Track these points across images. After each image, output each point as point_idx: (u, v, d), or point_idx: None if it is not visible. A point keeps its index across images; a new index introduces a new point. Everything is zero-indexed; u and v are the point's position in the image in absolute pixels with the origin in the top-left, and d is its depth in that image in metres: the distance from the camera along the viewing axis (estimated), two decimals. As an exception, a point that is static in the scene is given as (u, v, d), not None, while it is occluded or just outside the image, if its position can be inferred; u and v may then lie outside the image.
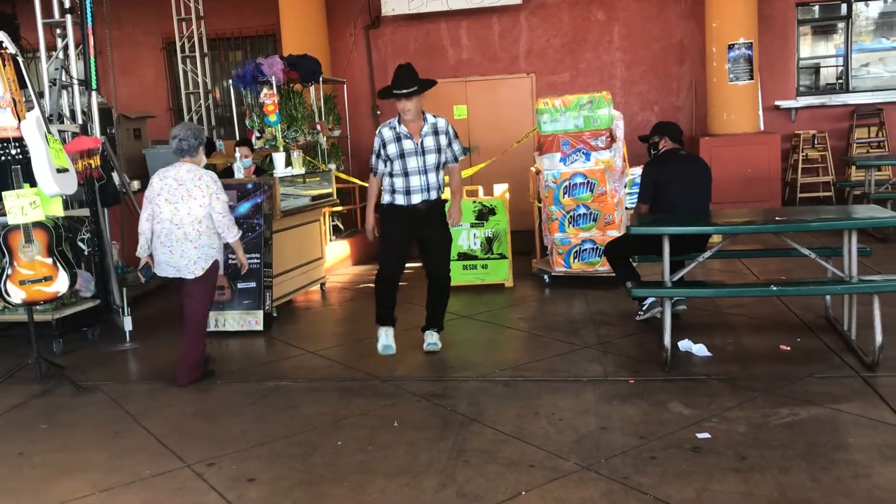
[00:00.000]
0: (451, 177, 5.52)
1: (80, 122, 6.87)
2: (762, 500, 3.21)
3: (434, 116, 5.30)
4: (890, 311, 5.22)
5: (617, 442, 3.86)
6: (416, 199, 5.25)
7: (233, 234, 5.14)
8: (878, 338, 4.59)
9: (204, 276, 5.06)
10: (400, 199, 5.28)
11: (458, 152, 5.40)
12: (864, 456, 3.55)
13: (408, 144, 5.22)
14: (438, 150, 5.27)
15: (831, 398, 4.24)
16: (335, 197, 8.06)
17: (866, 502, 3.15)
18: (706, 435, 3.86)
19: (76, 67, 6.80)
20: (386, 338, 5.52)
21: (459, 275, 7.28)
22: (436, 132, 5.26)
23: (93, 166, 6.48)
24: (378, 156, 5.31)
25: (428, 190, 5.28)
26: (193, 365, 5.15)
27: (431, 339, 5.53)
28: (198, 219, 5.00)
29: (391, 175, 5.29)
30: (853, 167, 10.23)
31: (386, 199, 5.36)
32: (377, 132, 5.30)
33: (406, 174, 5.23)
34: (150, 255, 5.13)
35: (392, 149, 5.23)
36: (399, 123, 5.24)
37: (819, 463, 3.51)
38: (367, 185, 8.97)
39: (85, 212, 6.50)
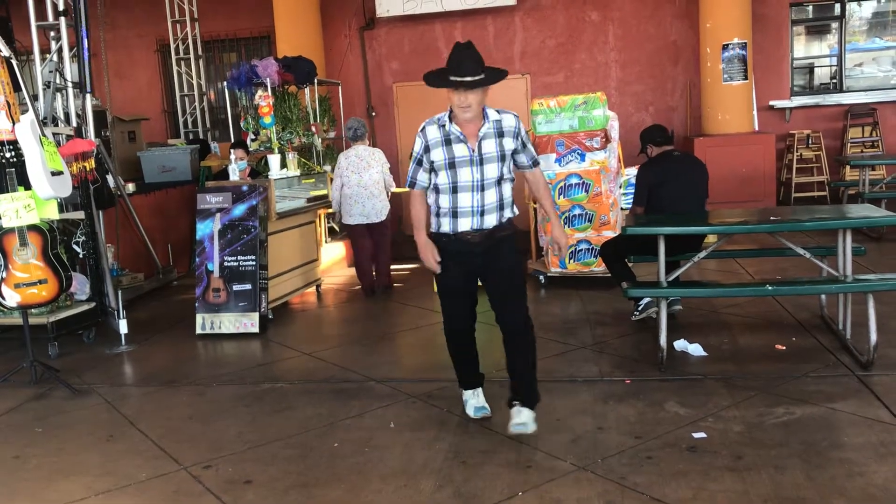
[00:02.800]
0: (535, 188, 4.14)
1: (74, 124, 6.87)
2: (758, 499, 3.22)
3: (499, 112, 3.93)
4: (884, 311, 5.23)
5: (613, 442, 3.86)
6: (465, 224, 3.87)
7: (393, 186, 7.48)
8: (873, 337, 4.60)
9: (386, 220, 7.42)
10: (446, 226, 3.93)
11: (535, 154, 4.08)
12: (859, 454, 3.56)
13: (460, 150, 3.85)
14: (502, 158, 3.90)
15: (826, 397, 4.25)
16: (331, 198, 8.05)
17: (861, 500, 3.16)
18: (702, 434, 3.86)
19: (70, 70, 6.79)
20: (476, 398, 4.29)
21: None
22: (500, 133, 3.90)
23: (87, 169, 6.47)
24: (419, 163, 3.94)
25: (482, 213, 3.87)
26: (388, 272, 7.51)
27: (520, 417, 3.90)
28: (376, 181, 7.26)
29: (436, 191, 3.94)
30: (847, 167, 10.25)
31: (433, 227, 4.02)
32: (419, 131, 3.95)
33: (454, 190, 3.86)
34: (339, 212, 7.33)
35: (438, 155, 3.86)
36: (450, 121, 3.87)
37: (814, 462, 3.52)
38: None
39: (80, 214, 6.49)
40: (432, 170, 3.91)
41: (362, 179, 7.26)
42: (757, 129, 10.70)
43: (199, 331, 6.36)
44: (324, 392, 4.89)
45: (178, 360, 5.79)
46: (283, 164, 7.32)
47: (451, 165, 3.85)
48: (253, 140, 8.41)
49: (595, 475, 3.52)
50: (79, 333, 6.32)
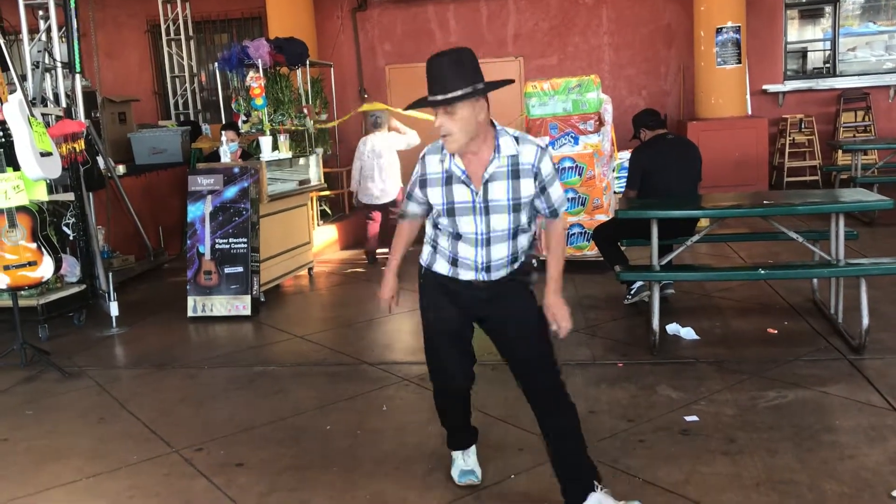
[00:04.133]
0: (547, 237, 3.08)
1: (63, 105, 6.80)
2: (750, 482, 3.23)
3: (517, 140, 2.88)
4: (876, 295, 5.25)
5: (605, 425, 3.86)
6: (466, 275, 3.00)
7: (416, 141, 8.17)
8: (865, 321, 4.61)
9: (395, 199, 8.10)
10: (442, 266, 3.04)
11: (557, 201, 2.96)
12: (850, 438, 3.58)
13: (461, 193, 2.89)
14: (516, 207, 2.88)
15: (818, 381, 4.26)
16: (322, 181, 8.02)
17: (852, 483, 3.17)
18: (694, 418, 3.87)
19: (59, 50, 6.71)
20: (465, 461, 3.40)
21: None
22: (515, 173, 2.86)
23: (77, 150, 6.41)
24: (410, 197, 3.07)
25: (488, 269, 2.96)
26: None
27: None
28: (390, 164, 8.16)
29: (435, 226, 3.05)
30: (840, 151, 10.27)
31: (425, 256, 3.12)
32: (420, 158, 3.03)
33: (456, 237, 2.96)
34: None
35: (436, 196, 2.94)
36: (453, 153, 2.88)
37: (806, 445, 3.53)
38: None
39: (70, 196, 6.44)
40: (429, 206, 2.99)
41: (378, 163, 8.12)
42: (750, 113, 10.69)
43: (190, 313, 6.34)
44: (316, 375, 4.88)
45: (170, 343, 5.77)
46: (275, 147, 7.27)
47: (451, 212, 2.88)
48: (244, 122, 8.35)
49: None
50: (69, 316, 6.29)
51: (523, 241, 2.98)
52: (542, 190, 2.90)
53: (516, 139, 2.86)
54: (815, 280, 5.77)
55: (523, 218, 2.91)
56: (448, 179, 2.88)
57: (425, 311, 3.13)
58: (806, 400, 4.04)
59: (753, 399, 4.07)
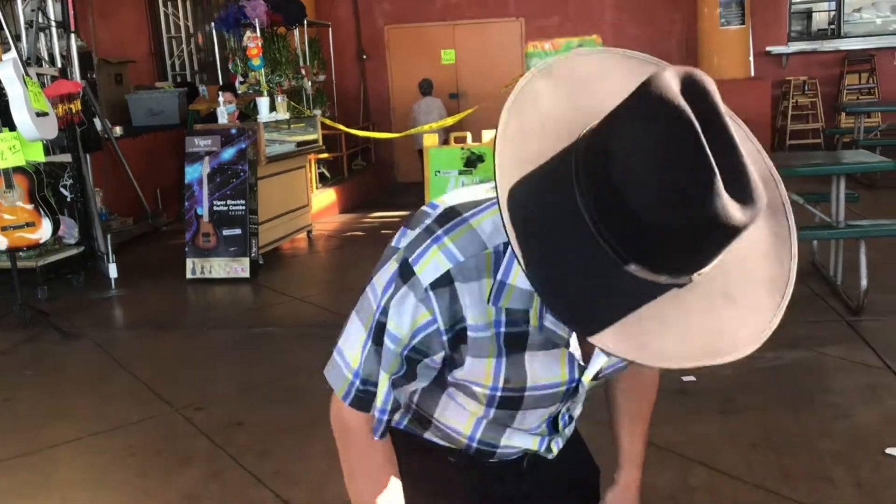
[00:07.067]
0: (631, 390, 1.62)
1: (59, 65, 6.73)
2: (746, 441, 3.25)
3: None
4: (876, 257, 5.23)
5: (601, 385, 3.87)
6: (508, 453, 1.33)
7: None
8: (864, 282, 4.61)
9: None
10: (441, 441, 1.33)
11: None
12: (847, 398, 3.59)
13: (547, 366, 1.15)
14: None
15: (816, 342, 4.27)
16: (321, 143, 7.96)
17: (846, 441, 3.19)
18: (692, 378, 3.88)
19: (53, 9, 6.62)
20: None
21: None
22: None
23: (73, 111, 6.35)
24: (385, 365, 1.16)
25: (549, 449, 1.39)
26: None
27: None
28: (434, 120, 9.37)
29: (416, 406, 1.31)
30: (843, 114, 10.19)
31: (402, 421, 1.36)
32: (406, 285, 1.08)
33: (496, 423, 1.27)
34: None
35: (481, 368, 1.12)
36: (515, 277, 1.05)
37: (802, 405, 3.55)
38: (355, 133, 8.96)
39: (66, 157, 6.40)
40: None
41: (428, 120, 9.47)
42: (753, 75, 10.58)
43: (188, 276, 6.34)
44: (316, 337, 4.88)
45: (169, 305, 5.78)
46: (272, 108, 7.21)
47: (513, 403, 1.21)
48: (241, 83, 8.27)
49: (582, 419, 3.53)
50: (68, 277, 6.29)
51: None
52: None
53: None
54: (814, 242, 5.75)
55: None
56: (520, 341, 1.12)
57: None
58: (803, 361, 4.05)
59: (751, 360, 4.03)
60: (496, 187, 0.88)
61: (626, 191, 0.82)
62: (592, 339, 0.85)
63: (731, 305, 0.91)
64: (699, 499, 2.87)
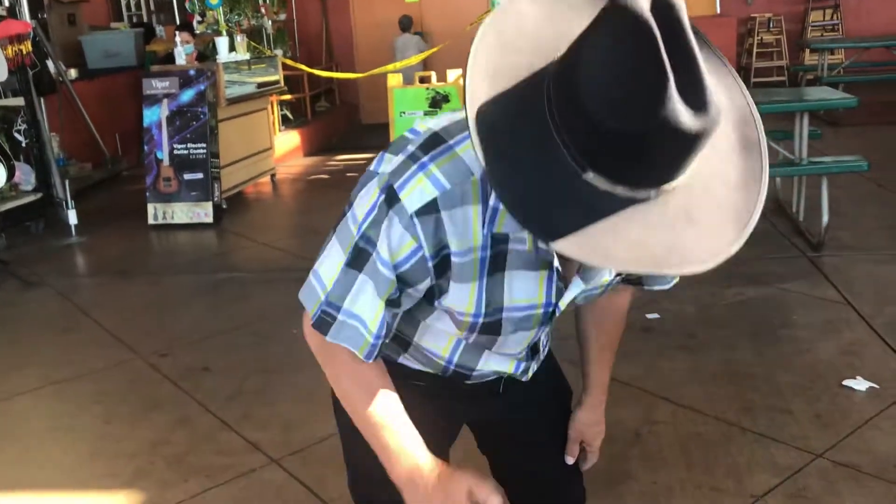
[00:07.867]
0: (602, 320, 1.66)
1: (7, 4, 6.47)
2: (707, 374, 3.31)
3: None
4: (837, 194, 5.29)
5: (568, 324, 3.90)
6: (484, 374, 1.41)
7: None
8: (825, 218, 4.66)
9: None
10: (414, 362, 1.39)
11: None
12: (807, 332, 3.66)
13: (528, 289, 1.19)
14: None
15: (778, 278, 4.34)
16: (283, 84, 7.80)
17: (806, 374, 3.26)
18: (656, 315, 3.93)
19: (-3, -56, 6.33)
20: None
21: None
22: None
23: (24, 52, 6.13)
24: (381, 291, 1.13)
25: (526, 372, 1.46)
26: None
27: None
28: (413, 55, 9.01)
29: (396, 330, 1.26)
30: (807, 51, 10.20)
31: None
32: (392, 209, 1.07)
33: (477, 347, 1.33)
34: None
35: (464, 294, 1.15)
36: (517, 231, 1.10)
37: (764, 339, 3.61)
38: (318, 73, 8.78)
39: (19, 101, 6.20)
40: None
41: (403, 57, 9.16)
42: (719, 12, 10.52)
43: (150, 221, 6.23)
44: (281, 281, 4.85)
45: (131, 251, 5.69)
46: (232, 48, 7.02)
47: (494, 328, 1.24)
48: (199, 22, 8.03)
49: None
50: (26, 225, 6.15)
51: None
52: None
53: None
54: (777, 179, 5.79)
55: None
56: (499, 262, 1.15)
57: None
58: (765, 297, 4.11)
59: (714, 296, 4.14)
60: (465, 89, 0.89)
61: (586, 98, 0.84)
62: (553, 246, 0.87)
63: (692, 226, 0.91)
64: (662, 431, 2.93)
